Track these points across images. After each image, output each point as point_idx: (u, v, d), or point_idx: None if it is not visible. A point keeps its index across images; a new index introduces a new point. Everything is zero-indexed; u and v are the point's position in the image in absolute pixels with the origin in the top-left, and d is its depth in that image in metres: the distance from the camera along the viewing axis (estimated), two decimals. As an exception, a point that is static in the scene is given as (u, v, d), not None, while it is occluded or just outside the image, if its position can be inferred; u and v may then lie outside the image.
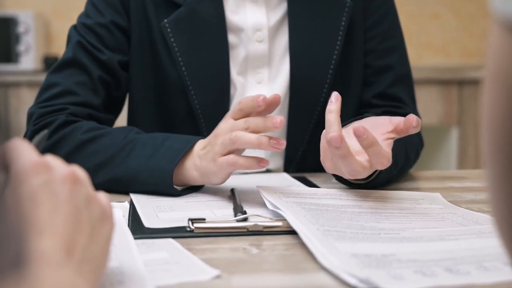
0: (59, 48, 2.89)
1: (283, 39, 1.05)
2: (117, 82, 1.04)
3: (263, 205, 0.76)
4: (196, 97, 1.02)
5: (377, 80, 1.10)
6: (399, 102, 1.10)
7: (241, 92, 1.04)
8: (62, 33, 2.82)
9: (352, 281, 0.53)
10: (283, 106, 1.05)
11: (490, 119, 0.33)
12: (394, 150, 0.82)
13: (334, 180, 0.91)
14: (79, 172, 0.47)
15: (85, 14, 1.06)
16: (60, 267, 0.41)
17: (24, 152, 0.45)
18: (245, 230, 0.68)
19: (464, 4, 3.04)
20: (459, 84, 2.63)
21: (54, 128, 0.94)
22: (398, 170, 0.94)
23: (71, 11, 2.93)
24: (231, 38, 1.04)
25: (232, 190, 0.84)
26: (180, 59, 1.01)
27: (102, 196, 0.49)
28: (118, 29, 1.04)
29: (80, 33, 1.03)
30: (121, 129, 0.95)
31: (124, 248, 0.60)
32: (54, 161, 0.46)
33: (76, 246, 0.43)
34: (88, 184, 0.47)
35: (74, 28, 1.05)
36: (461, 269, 0.56)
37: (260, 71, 1.05)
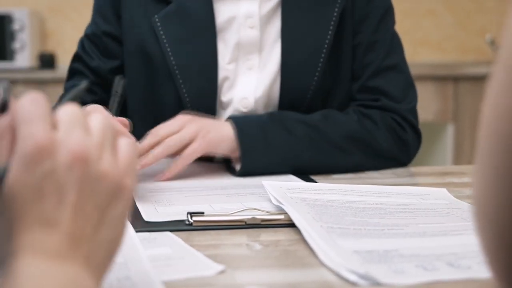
0: (54, 46, 2.88)
1: (275, 26, 1.07)
2: (109, 85, 1.08)
3: (268, 199, 0.77)
4: (184, 86, 1.05)
5: (362, 73, 1.11)
6: (379, 94, 1.09)
7: (232, 80, 1.07)
8: (57, 31, 2.82)
9: (352, 277, 0.53)
10: (274, 92, 1.07)
11: (502, 108, 0.32)
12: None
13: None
14: (87, 144, 0.42)
15: (89, 23, 1.17)
16: (64, 261, 0.39)
17: (31, 125, 0.40)
18: (243, 223, 0.69)
19: (459, 0, 3.05)
20: (455, 80, 2.63)
21: None
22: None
23: (66, 9, 2.93)
24: (223, 24, 1.06)
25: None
26: (168, 49, 1.05)
27: (118, 162, 0.43)
28: (109, 38, 1.12)
29: (82, 43, 1.16)
30: None
31: (128, 243, 0.60)
32: (61, 137, 0.41)
33: (82, 238, 0.41)
34: (99, 156, 0.42)
35: (80, 38, 1.17)
36: (462, 264, 0.56)
37: (251, 57, 1.07)
